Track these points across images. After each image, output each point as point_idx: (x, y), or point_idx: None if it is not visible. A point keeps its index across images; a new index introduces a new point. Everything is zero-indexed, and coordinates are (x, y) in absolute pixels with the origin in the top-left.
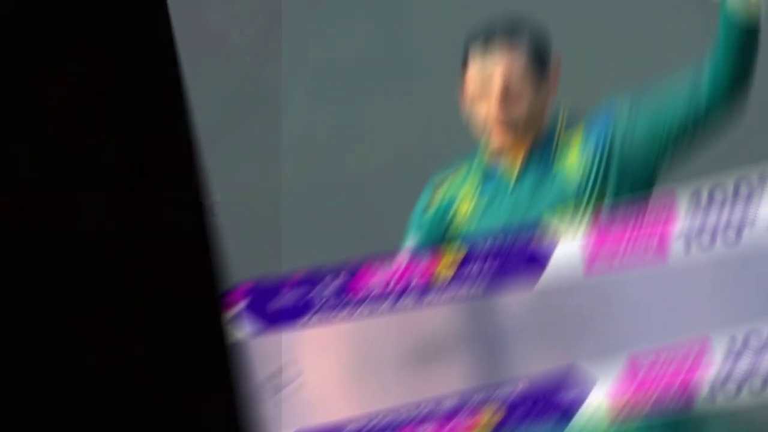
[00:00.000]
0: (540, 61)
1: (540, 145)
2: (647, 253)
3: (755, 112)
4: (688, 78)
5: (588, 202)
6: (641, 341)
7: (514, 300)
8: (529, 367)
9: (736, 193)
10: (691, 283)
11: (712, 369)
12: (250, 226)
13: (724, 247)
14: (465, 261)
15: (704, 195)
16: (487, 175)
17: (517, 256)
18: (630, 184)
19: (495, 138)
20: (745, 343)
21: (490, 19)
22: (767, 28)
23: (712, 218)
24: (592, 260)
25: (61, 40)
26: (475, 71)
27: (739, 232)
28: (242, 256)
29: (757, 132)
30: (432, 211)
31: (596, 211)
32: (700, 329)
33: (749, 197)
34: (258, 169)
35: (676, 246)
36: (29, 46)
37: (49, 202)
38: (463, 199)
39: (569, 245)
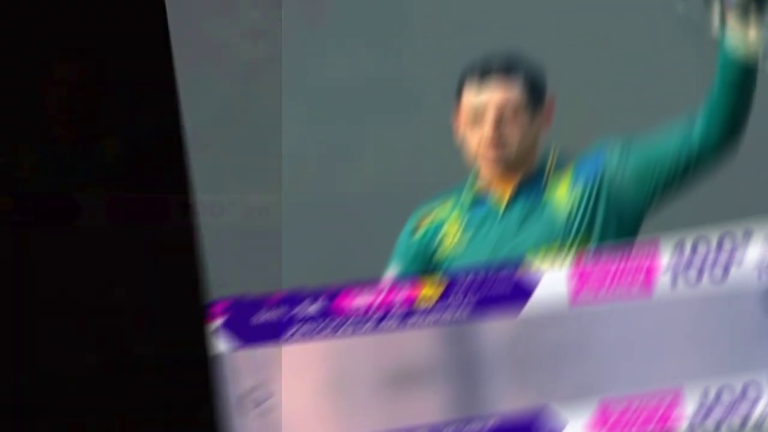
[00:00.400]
0: (534, 97)
1: (530, 179)
2: (633, 285)
3: (746, 162)
4: (682, 120)
5: (575, 238)
6: (615, 385)
7: (498, 327)
8: (502, 403)
9: (719, 247)
10: (674, 319)
11: (681, 422)
12: (246, 242)
13: (710, 284)
14: (448, 289)
15: (687, 247)
16: (476, 204)
17: (503, 284)
18: (617, 222)
19: (485, 170)
20: (717, 397)
21: (487, 52)
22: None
23: (698, 258)
24: (577, 291)
25: (61, 42)
26: (470, 100)
27: (726, 270)
28: (237, 271)
29: (743, 184)
30: (418, 236)
31: (582, 247)
32: (675, 377)
33: (732, 251)
34: (255, 185)
35: (662, 280)
36: (30, 48)
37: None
38: (450, 225)
39: (556, 275)
